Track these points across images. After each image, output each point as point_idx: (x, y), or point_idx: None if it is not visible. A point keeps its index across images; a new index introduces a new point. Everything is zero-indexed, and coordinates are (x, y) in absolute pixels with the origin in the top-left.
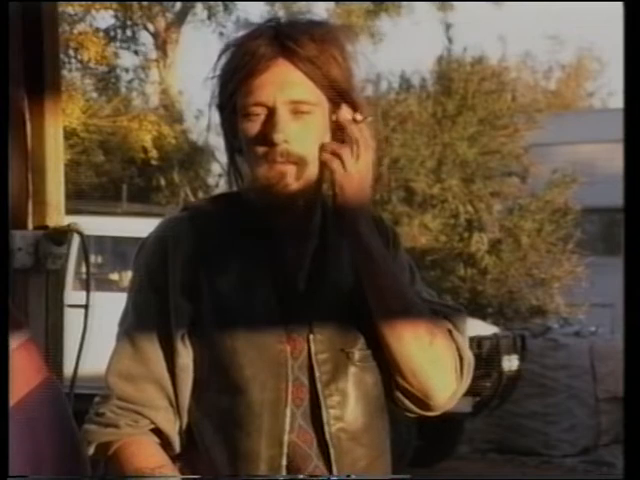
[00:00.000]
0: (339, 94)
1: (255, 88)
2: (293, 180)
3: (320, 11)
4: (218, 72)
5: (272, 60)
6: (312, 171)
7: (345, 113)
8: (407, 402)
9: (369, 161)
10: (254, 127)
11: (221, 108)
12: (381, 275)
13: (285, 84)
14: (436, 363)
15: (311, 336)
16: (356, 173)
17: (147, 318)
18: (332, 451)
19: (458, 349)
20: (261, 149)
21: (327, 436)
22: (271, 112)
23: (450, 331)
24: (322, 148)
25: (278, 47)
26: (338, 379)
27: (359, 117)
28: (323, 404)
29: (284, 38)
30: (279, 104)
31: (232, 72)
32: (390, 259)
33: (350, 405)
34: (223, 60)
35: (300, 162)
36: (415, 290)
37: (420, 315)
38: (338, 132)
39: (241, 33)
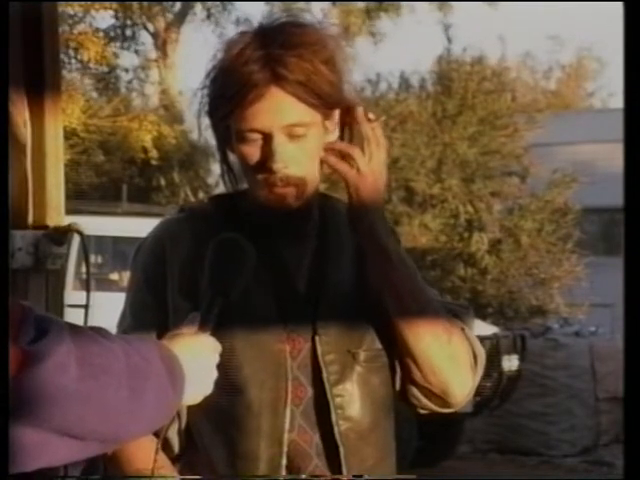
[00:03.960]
0: (333, 104)
1: (250, 116)
2: (293, 200)
3: (319, 11)
4: (208, 89)
5: (265, 88)
6: (311, 185)
7: (357, 113)
8: (425, 400)
9: (382, 160)
10: (252, 152)
11: (214, 122)
12: (398, 274)
13: (279, 111)
14: (454, 360)
15: (317, 337)
16: (370, 173)
17: (145, 319)
18: (341, 450)
19: (472, 346)
20: (260, 175)
21: (336, 436)
22: (267, 138)
23: (463, 329)
24: (329, 150)
25: (270, 74)
26: (345, 380)
27: (372, 116)
28: (332, 404)
29: (274, 63)
30: (275, 130)
31: (224, 94)
32: (406, 258)
33: (357, 405)
34: (213, 76)
35: (300, 182)
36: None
37: (436, 313)
38: (348, 132)
39: (230, 49)
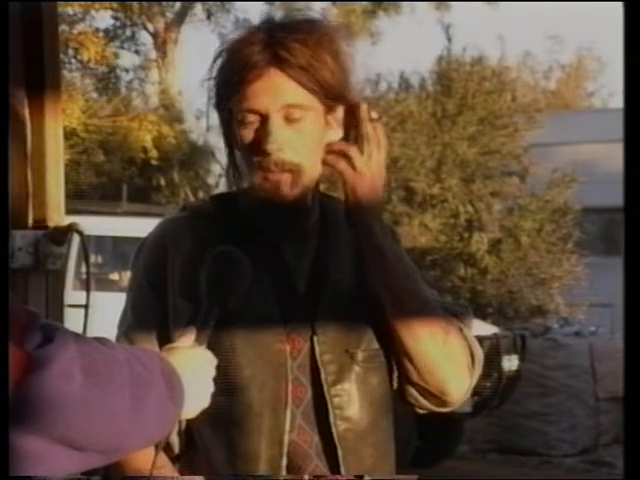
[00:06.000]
0: (334, 96)
1: (248, 96)
2: (289, 188)
3: (319, 11)
4: (214, 75)
5: (264, 69)
6: (308, 176)
7: (360, 111)
8: (421, 399)
9: (381, 160)
10: (248, 134)
11: (218, 109)
12: (395, 274)
13: (277, 92)
14: (451, 360)
15: (315, 337)
16: (368, 172)
17: (146, 318)
18: (339, 451)
19: (469, 346)
20: (256, 157)
21: (334, 437)
22: (264, 120)
23: (461, 329)
24: (328, 149)
25: (270, 55)
26: (343, 380)
27: (375, 115)
28: (330, 405)
29: (276, 46)
30: (272, 112)
31: (226, 78)
32: (403, 257)
33: (355, 405)
34: (218, 63)
35: (295, 169)
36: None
37: (434, 313)
38: (351, 130)
39: (235, 36)
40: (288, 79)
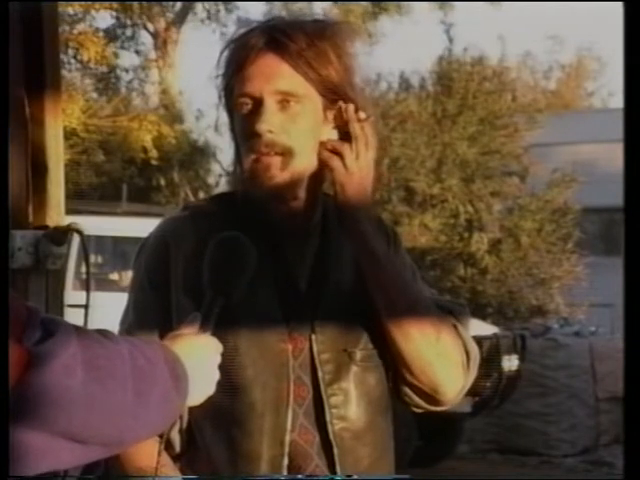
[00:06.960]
0: (333, 90)
1: (244, 79)
2: (278, 171)
3: (319, 11)
4: (219, 68)
5: (260, 52)
6: (300, 163)
7: (348, 110)
8: (416, 398)
9: (370, 160)
10: (242, 118)
11: (223, 100)
12: (385, 273)
13: (272, 75)
14: (444, 358)
15: (313, 336)
16: (357, 171)
17: (148, 317)
18: (335, 450)
19: (464, 344)
20: (248, 141)
21: (330, 436)
22: (258, 103)
23: (455, 326)
24: (322, 145)
25: (268, 39)
26: (340, 379)
27: (362, 115)
28: (326, 404)
29: (275, 32)
30: (266, 95)
31: (226, 65)
32: (393, 257)
33: (353, 405)
34: (223, 57)
35: (286, 153)
36: (419, 287)
37: (426, 311)
38: (339, 129)
39: (240, 31)
40: (284, 64)
